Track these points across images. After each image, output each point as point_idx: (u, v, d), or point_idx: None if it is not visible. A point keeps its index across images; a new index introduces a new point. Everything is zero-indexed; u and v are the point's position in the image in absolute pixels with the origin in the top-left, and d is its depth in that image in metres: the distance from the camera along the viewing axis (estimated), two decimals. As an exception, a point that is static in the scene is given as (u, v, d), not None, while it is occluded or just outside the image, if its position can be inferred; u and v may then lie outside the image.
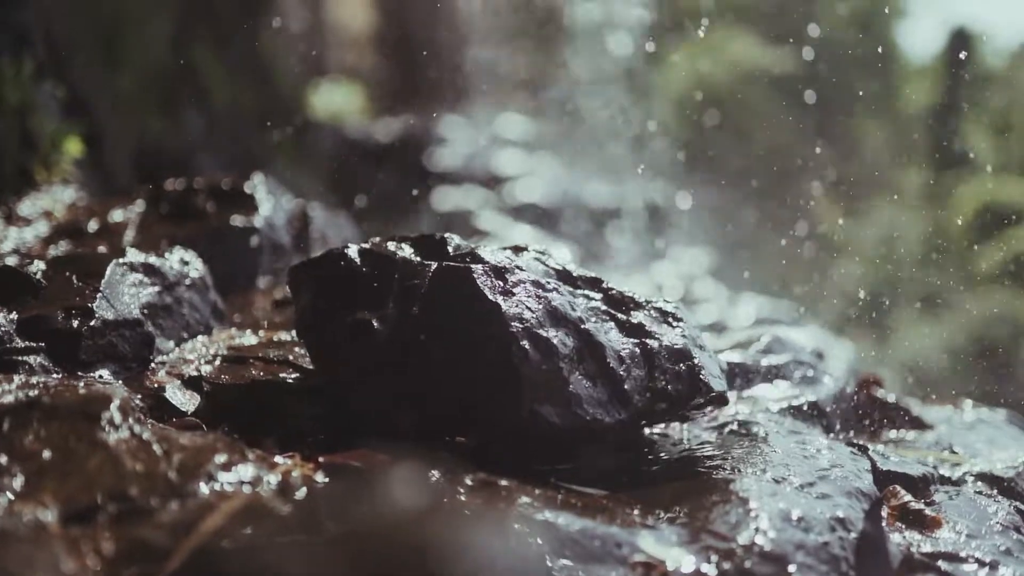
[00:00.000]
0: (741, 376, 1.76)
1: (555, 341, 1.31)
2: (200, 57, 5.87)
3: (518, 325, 1.30)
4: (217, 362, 1.58)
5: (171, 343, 1.66)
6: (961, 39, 13.41)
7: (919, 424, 1.91)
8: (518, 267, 1.40)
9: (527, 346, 1.29)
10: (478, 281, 1.34)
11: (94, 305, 1.50)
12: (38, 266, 1.64)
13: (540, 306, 1.35)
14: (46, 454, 1.08)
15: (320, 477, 1.18)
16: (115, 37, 4.89)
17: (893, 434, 1.88)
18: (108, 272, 1.58)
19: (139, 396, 1.47)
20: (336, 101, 8.94)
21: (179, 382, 1.52)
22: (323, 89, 8.90)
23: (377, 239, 1.50)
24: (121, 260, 1.63)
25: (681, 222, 7.00)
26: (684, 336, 1.43)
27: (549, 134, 8.51)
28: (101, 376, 1.47)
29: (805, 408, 1.69)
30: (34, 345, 1.42)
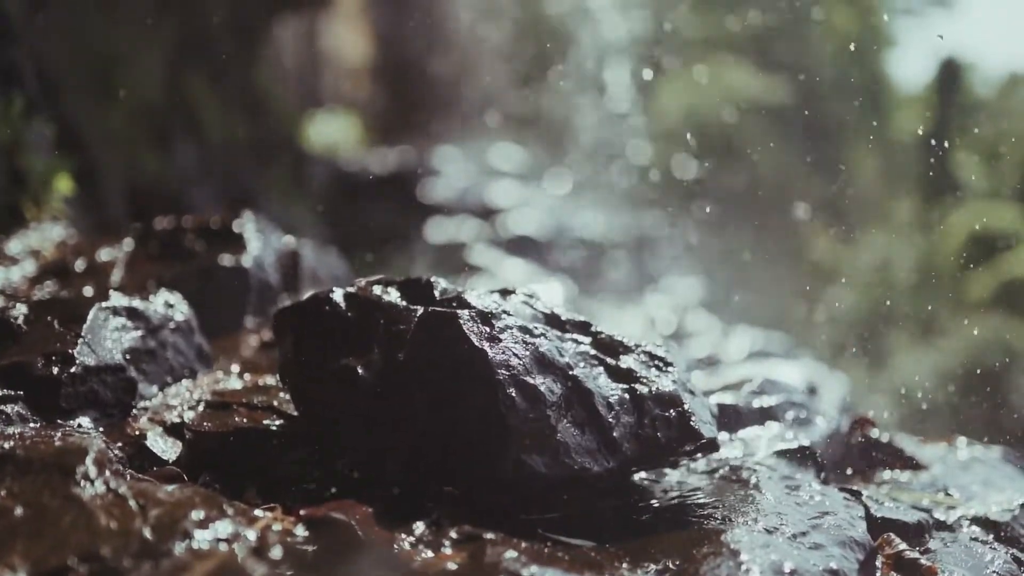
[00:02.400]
0: (733, 418, 1.74)
1: (542, 388, 1.30)
2: (194, 91, 5.90)
3: (505, 372, 1.29)
4: (200, 408, 1.55)
5: (154, 388, 1.63)
6: (950, 69, 13.60)
7: (913, 464, 1.89)
8: (505, 312, 1.39)
9: (514, 394, 1.27)
10: (464, 327, 1.32)
11: (75, 351, 1.48)
12: (20, 310, 1.62)
13: (527, 352, 1.33)
14: (18, 511, 1.05)
15: (300, 531, 1.15)
16: (108, 72, 4.92)
17: (887, 475, 1.86)
18: (90, 317, 1.56)
19: (119, 444, 1.45)
20: (331, 132, 8.99)
21: (161, 429, 1.50)
22: (319, 120, 8.96)
23: (363, 282, 1.49)
24: (104, 304, 1.61)
25: (674, 252, 7.02)
26: (674, 381, 1.41)
27: (543, 164, 8.56)
28: (80, 424, 1.44)
29: (798, 451, 1.66)
30: (12, 393, 1.39)
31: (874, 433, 1.95)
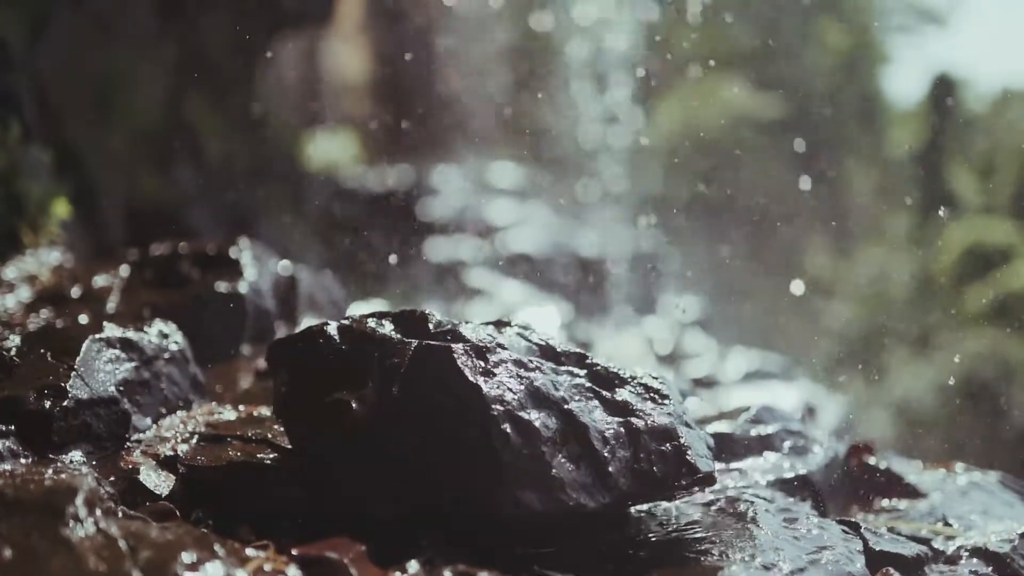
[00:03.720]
0: (729, 448, 1.73)
1: (537, 424, 1.29)
2: (194, 111, 5.93)
3: (499, 407, 1.28)
4: (194, 441, 1.54)
5: (148, 420, 1.62)
6: (944, 85, 13.69)
7: (912, 492, 1.88)
8: (500, 345, 1.38)
9: (508, 429, 1.27)
10: (458, 361, 1.32)
11: (68, 384, 1.47)
12: (13, 341, 1.62)
13: (522, 387, 1.32)
14: (7, 553, 1.04)
15: (293, 571, 1.14)
16: (109, 94, 4.94)
17: (886, 503, 1.85)
18: (83, 349, 1.56)
19: (112, 478, 1.44)
20: (331, 150, 9.01)
21: (154, 463, 1.49)
22: (318, 139, 8.98)
23: (357, 315, 1.49)
24: (97, 336, 1.60)
25: (671, 269, 7.03)
26: (670, 414, 1.40)
27: (541, 182, 8.59)
28: (72, 459, 1.43)
29: (795, 481, 1.66)
30: (3, 428, 1.38)
31: (872, 460, 1.94)
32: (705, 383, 3.34)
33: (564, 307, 4.03)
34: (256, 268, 2.30)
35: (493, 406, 1.27)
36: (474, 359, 1.33)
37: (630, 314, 5.27)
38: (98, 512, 1.14)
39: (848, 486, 1.85)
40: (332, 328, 1.44)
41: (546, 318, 3.64)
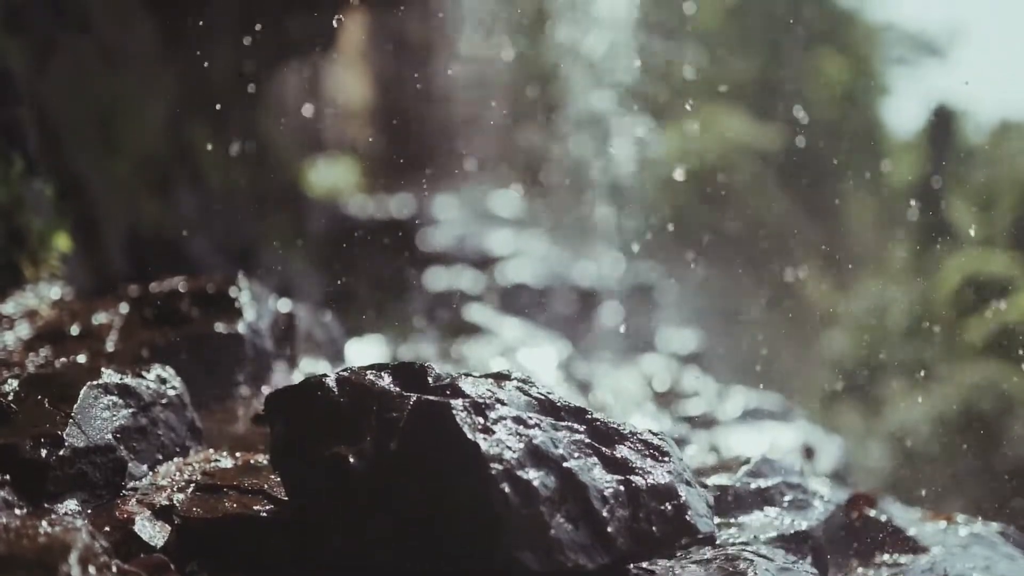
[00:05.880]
0: (728, 502, 1.71)
1: (536, 483, 1.28)
2: (196, 139, 5.96)
3: (498, 466, 1.27)
4: (190, 490, 1.53)
5: (144, 467, 1.61)
6: (943, 116, 13.80)
7: (913, 546, 1.86)
8: (499, 401, 1.38)
9: (507, 489, 1.26)
10: (457, 418, 1.31)
11: (64, 433, 1.47)
12: (11, 386, 1.61)
13: (521, 444, 1.32)
14: (-1, 615, 1.03)
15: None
16: (111, 122, 4.97)
17: (887, 558, 1.83)
18: (81, 396, 1.55)
19: (107, 528, 1.42)
20: (332, 178, 9.06)
21: (149, 513, 1.47)
22: (320, 166, 9.03)
23: (356, 366, 1.48)
24: (95, 382, 1.60)
25: (670, 301, 7.03)
26: (670, 472, 1.40)
27: (540, 211, 8.62)
28: (68, 509, 1.42)
29: (795, 537, 1.64)
30: (-1, 479, 1.37)
31: (872, 512, 1.92)
32: (703, 422, 3.33)
33: (562, 343, 4.04)
34: (255, 308, 2.29)
35: (492, 464, 1.27)
36: (473, 416, 1.33)
37: (628, 349, 5.26)
38: (91, 570, 1.13)
39: (848, 540, 1.83)
40: (330, 380, 1.44)
41: (544, 356, 3.64)
